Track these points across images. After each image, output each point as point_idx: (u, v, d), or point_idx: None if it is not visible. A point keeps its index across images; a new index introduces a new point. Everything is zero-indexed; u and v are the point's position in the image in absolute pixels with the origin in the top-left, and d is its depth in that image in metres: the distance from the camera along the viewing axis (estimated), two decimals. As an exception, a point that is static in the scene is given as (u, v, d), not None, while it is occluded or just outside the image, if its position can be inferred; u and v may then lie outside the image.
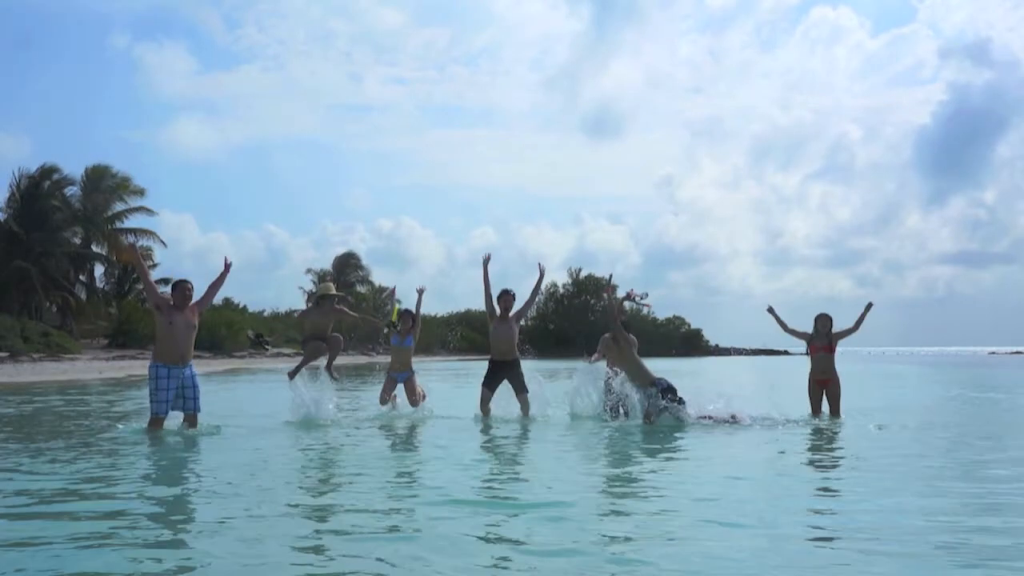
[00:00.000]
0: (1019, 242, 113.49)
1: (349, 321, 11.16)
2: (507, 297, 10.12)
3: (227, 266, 8.66)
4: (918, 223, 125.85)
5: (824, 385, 9.86)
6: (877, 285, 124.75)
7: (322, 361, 10.37)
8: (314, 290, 60.05)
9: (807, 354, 10.08)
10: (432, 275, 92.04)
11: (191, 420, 8.35)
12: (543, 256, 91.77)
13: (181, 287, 8.41)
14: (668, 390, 9.18)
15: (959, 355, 77.84)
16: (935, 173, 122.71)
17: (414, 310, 10.51)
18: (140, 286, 38.72)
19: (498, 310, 10.07)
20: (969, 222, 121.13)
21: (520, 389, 10.02)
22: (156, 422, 8.22)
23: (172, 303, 8.33)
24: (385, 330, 10.91)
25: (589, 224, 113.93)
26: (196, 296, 8.48)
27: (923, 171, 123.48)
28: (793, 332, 10.28)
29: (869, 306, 10.10)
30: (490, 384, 10.06)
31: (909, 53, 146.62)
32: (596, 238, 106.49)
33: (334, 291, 10.61)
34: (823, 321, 10.03)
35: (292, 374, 10.04)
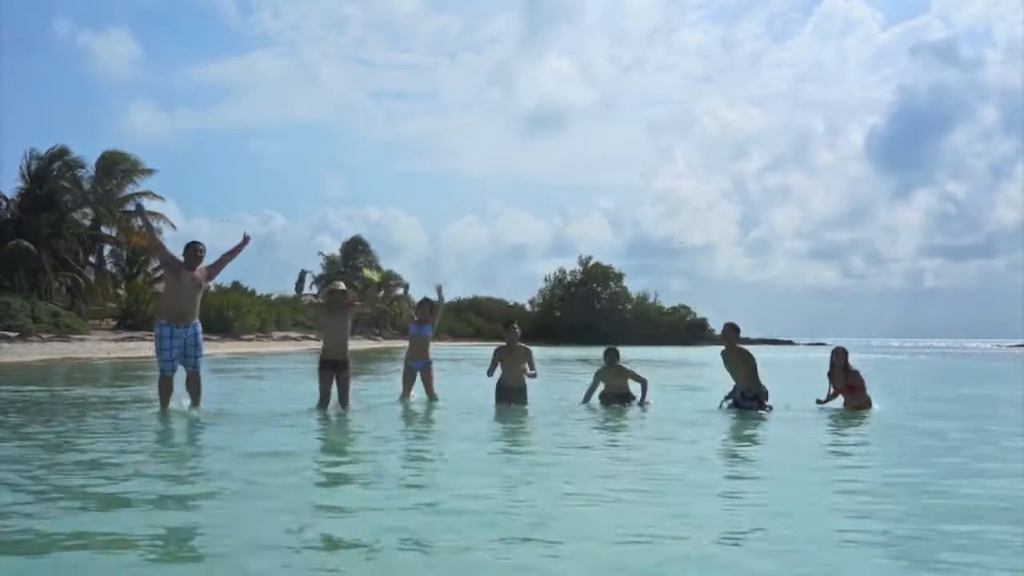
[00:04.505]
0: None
1: (364, 312, 10.85)
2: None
3: (245, 239, 8.76)
4: (922, 215, 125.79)
5: (859, 408, 9.54)
6: (885, 275, 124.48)
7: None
8: (323, 273, 60.16)
9: (830, 392, 9.71)
10: (452, 264, 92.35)
11: (193, 378, 8.44)
12: (526, 245, 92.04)
13: (192, 247, 8.55)
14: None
15: (961, 349, 77.52)
16: (938, 164, 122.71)
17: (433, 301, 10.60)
18: (150, 268, 38.95)
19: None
20: (970, 215, 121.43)
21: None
22: (164, 381, 8.36)
23: (182, 261, 8.44)
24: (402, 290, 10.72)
25: (573, 213, 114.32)
26: (208, 260, 8.63)
27: (929, 163, 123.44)
28: (833, 384, 9.75)
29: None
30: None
31: (920, 44, 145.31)
32: (579, 228, 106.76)
33: (343, 287, 9.72)
34: (838, 355, 9.70)
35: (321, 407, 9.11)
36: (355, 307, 9.53)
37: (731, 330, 9.80)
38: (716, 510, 4.47)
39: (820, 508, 4.55)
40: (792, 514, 4.34)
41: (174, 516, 4.12)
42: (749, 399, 9.45)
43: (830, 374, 9.74)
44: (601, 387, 10.15)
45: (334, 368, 8.93)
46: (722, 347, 9.84)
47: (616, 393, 10.07)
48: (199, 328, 8.49)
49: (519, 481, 5.21)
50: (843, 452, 6.99)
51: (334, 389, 8.98)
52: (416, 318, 10.48)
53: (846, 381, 9.63)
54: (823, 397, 9.77)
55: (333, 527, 3.96)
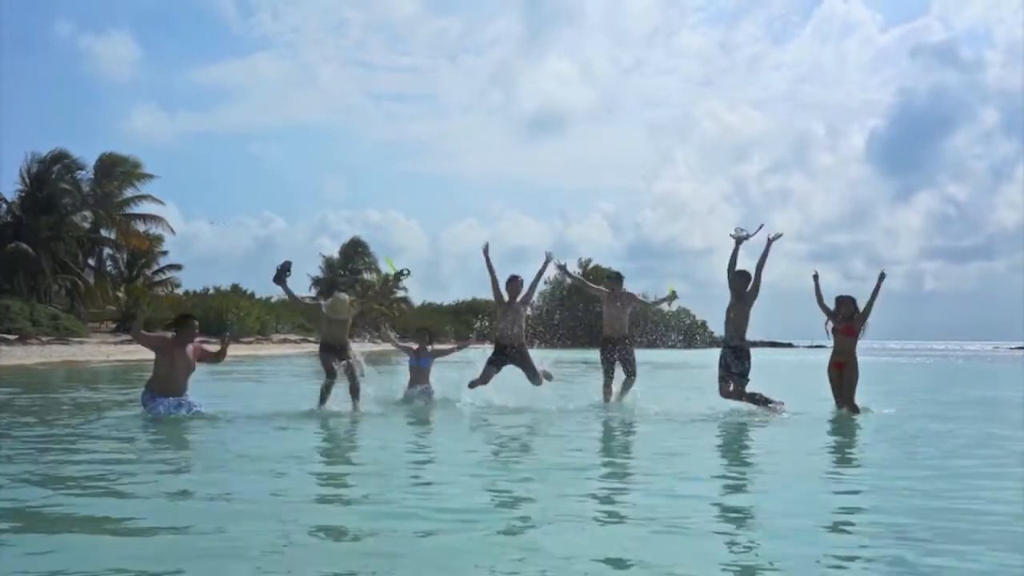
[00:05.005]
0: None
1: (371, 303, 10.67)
2: (515, 283, 10.15)
3: (224, 350, 8.76)
4: (922, 218, 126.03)
5: (841, 368, 9.61)
6: (886, 277, 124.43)
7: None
8: (321, 275, 60.10)
9: (829, 332, 9.79)
10: (468, 264, 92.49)
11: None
12: (527, 248, 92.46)
13: (186, 322, 8.46)
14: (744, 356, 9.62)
15: (961, 351, 77.48)
16: (938, 166, 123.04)
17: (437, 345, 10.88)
18: (149, 271, 39.01)
19: (506, 296, 10.12)
20: (971, 217, 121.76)
21: (532, 375, 10.05)
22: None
23: (173, 338, 8.36)
24: (401, 278, 10.49)
25: (573, 216, 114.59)
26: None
27: (929, 165, 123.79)
28: (824, 307, 9.90)
29: (882, 276, 9.74)
30: (496, 363, 10.04)
31: (920, 46, 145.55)
32: (580, 230, 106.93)
33: (348, 306, 9.55)
34: (847, 305, 9.70)
35: (322, 402, 9.24)
36: (355, 306, 9.67)
37: (742, 277, 9.80)
38: (715, 519, 4.44)
39: (821, 516, 4.52)
40: (793, 523, 4.32)
41: (169, 517, 4.09)
42: (731, 346, 9.62)
43: (835, 314, 9.74)
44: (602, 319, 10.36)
45: (335, 351, 9.25)
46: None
47: (615, 336, 10.10)
48: (189, 398, 8.42)
49: (517, 486, 5.17)
50: (844, 458, 6.98)
51: (340, 372, 9.25)
52: (415, 348, 10.60)
53: (853, 325, 9.64)
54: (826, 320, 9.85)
55: (328, 530, 3.94)
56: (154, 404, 8.18)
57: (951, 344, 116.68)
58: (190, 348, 8.37)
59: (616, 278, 10.60)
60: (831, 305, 9.88)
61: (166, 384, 8.26)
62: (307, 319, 43.70)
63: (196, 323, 8.49)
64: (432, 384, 10.67)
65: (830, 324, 9.80)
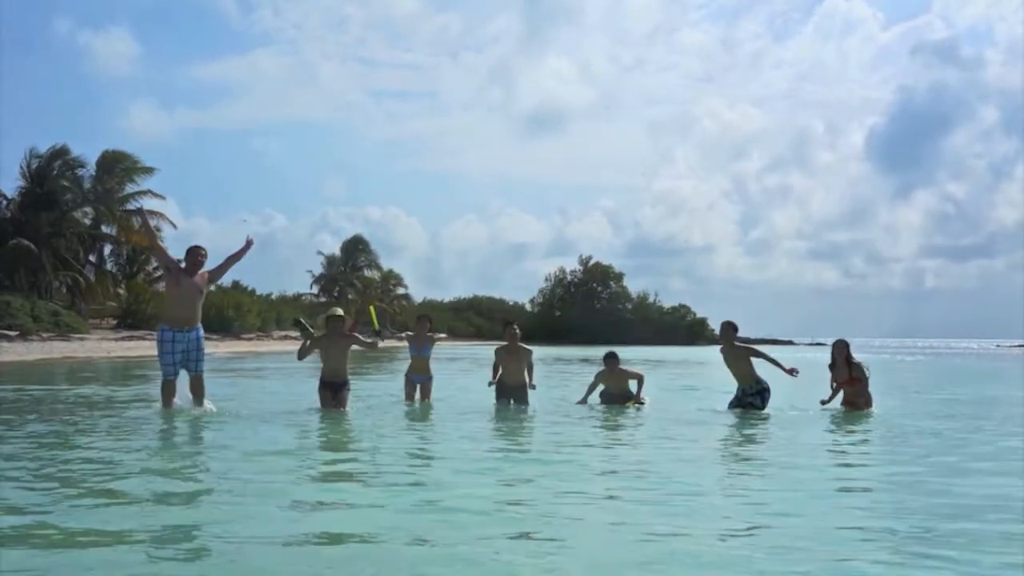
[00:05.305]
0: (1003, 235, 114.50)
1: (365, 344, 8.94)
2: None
3: (248, 242, 8.72)
4: (922, 216, 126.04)
5: (855, 406, 9.49)
6: (885, 275, 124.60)
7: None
8: (324, 272, 60.15)
9: (832, 387, 9.64)
10: (471, 262, 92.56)
11: (196, 380, 8.40)
12: (526, 245, 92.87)
13: (193, 252, 8.51)
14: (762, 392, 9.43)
15: (961, 349, 77.47)
16: (938, 164, 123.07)
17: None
18: (149, 267, 38.98)
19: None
20: (970, 216, 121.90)
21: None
22: (167, 385, 8.35)
23: (183, 267, 8.42)
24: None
25: (573, 213, 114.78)
26: (210, 265, 8.60)
27: (929, 163, 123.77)
28: (835, 377, 9.69)
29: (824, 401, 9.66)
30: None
31: (921, 44, 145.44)
32: (580, 227, 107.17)
33: (340, 312, 9.29)
34: (840, 347, 9.67)
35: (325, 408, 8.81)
36: (354, 338, 9.04)
37: (728, 328, 9.77)
38: (717, 508, 4.48)
39: (821, 506, 4.55)
40: (793, 512, 4.35)
41: (175, 514, 4.12)
42: (751, 395, 9.43)
43: (832, 366, 9.69)
44: (602, 387, 10.18)
45: (333, 388, 8.84)
46: (720, 346, 9.80)
47: (617, 392, 10.08)
48: (201, 332, 8.47)
49: (518, 480, 5.23)
50: (843, 451, 7.00)
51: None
52: (414, 335, 10.12)
53: (850, 374, 9.56)
54: (825, 397, 9.66)
55: (333, 526, 3.97)
56: (164, 350, 8.18)
57: (951, 342, 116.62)
58: (199, 276, 8.44)
59: (613, 356, 10.29)
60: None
61: (176, 310, 8.30)
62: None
63: (203, 252, 8.52)
64: (432, 371, 10.51)
65: (836, 384, 9.65)
